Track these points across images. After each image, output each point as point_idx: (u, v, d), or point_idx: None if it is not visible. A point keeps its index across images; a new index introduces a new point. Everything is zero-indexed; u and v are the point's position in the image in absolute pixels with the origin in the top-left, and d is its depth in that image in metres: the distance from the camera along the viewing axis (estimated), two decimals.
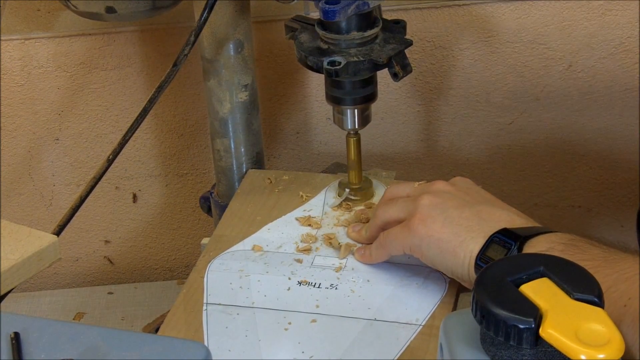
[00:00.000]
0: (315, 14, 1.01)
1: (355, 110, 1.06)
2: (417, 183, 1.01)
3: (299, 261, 1.01)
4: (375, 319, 0.93)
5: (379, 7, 1.03)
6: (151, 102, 1.01)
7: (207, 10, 1.02)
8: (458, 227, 0.90)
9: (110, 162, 1.01)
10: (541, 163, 1.51)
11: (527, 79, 1.45)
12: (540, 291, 0.65)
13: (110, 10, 1.08)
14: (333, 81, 1.04)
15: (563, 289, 0.65)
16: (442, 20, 1.40)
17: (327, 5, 0.97)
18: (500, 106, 1.47)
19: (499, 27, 1.41)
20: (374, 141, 1.48)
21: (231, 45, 1.14)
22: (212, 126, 1.19)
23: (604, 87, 1.46)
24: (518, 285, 0.66)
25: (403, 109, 1.47)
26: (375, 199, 1.11)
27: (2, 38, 1.37)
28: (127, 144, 1.02)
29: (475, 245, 0.89)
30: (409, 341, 0.90)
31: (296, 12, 1.36)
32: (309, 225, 1.07)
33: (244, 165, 1.20)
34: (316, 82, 1.43)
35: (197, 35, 1.02)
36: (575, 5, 1.40)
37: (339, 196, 1.12)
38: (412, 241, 0.93)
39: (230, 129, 1.18)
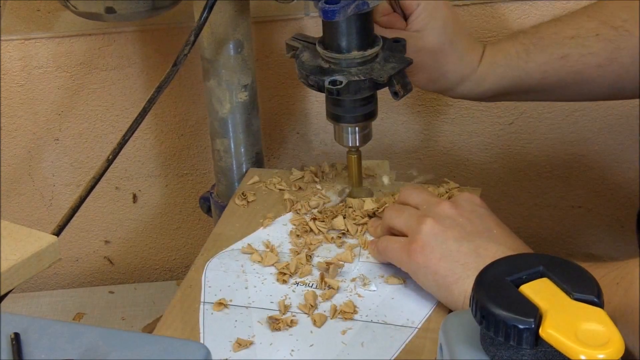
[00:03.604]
0: (315, 13, 1.01)
1: (356, 127, 1.07)
2: (430, 187, 1.04)
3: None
4: (371, 321, 0.92)
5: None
6: (151, 102, 1.01)
7: (207, 10, 1.02)
8: (455, 263, 0.91)
9: (110, 162, 1.01)
10: (541, 163, 1.51)
11: None
12: (540, 291, 0.65)
13: (110, 10, 1.08)
14: (333, 99, 1.04)
15: (563, 289, 0.66)
16: None
17: (327, 5, 0.97)
18: (500, 106, 1.47)
19: (499, 27, 1.40)
20: (374, 141, 1.47)
21: (231, 45, 1.14)
22: (212, 126, 1.19)
23: None
24: (518, 286, 0.66)
25: (403, 109, 1.47)
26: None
27: (2, 38, 1.37)
28: (127, 144, 1.02)
29: (470, 285, 0.89)
30: (405, 343, 0.90)
31: (296, 11, 1.37)
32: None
33: (244, 165, 1.20)
34: None
35: (197, 35, 1.02)
36: (575, 6, 1.40)
37: (339, 196, 1.12)
38: (409, 267, 0.94)
39: (230, 129, 1.18)
